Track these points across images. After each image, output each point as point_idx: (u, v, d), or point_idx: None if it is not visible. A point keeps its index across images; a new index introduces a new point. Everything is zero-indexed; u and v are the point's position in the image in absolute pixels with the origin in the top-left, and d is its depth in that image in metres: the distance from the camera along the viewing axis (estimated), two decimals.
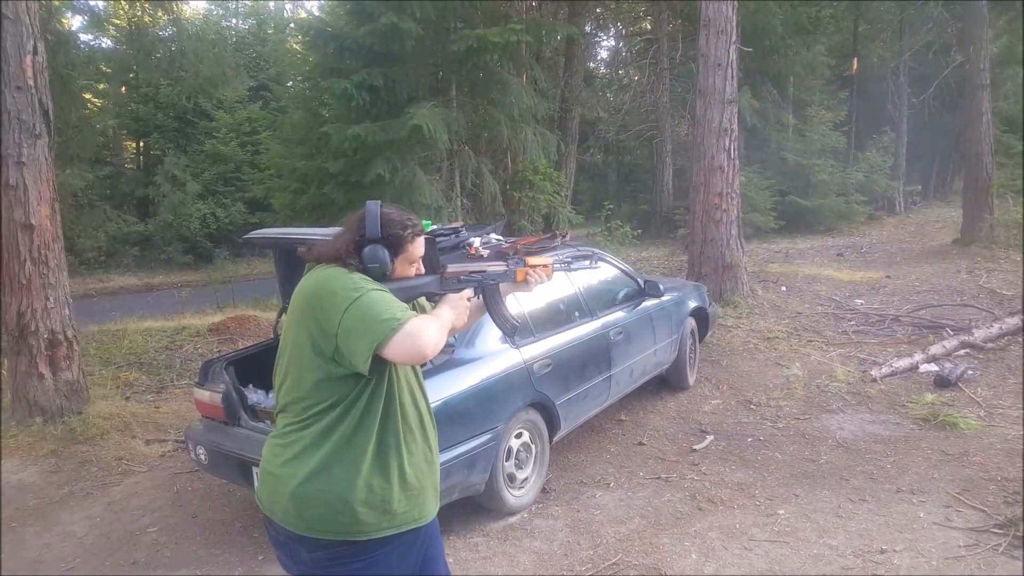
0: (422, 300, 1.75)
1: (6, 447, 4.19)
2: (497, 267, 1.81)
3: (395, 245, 1.58)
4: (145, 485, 3.80)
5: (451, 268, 1.71)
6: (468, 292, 1.70)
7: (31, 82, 4.43)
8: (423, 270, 1.68)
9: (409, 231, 1.59)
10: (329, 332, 1.45)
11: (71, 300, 4.78)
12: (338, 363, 1.46)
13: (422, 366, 1.65)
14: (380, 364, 1.47)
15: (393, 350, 1.40)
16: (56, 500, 3.65)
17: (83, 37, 12.18)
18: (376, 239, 1.55)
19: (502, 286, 1.84)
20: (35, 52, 4.46)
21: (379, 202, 1.60)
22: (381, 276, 1.55)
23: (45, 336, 4.53)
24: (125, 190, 16.71)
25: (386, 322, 1.40)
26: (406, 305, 1.51)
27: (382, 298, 1.46)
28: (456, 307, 1.63)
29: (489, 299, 1.81)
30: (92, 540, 3.22)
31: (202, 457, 3.14)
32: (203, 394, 3.24)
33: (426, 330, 1.42)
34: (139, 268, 14.97)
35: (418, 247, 1.63)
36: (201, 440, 3.14)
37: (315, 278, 1.54)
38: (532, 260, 1.87)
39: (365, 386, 1.50)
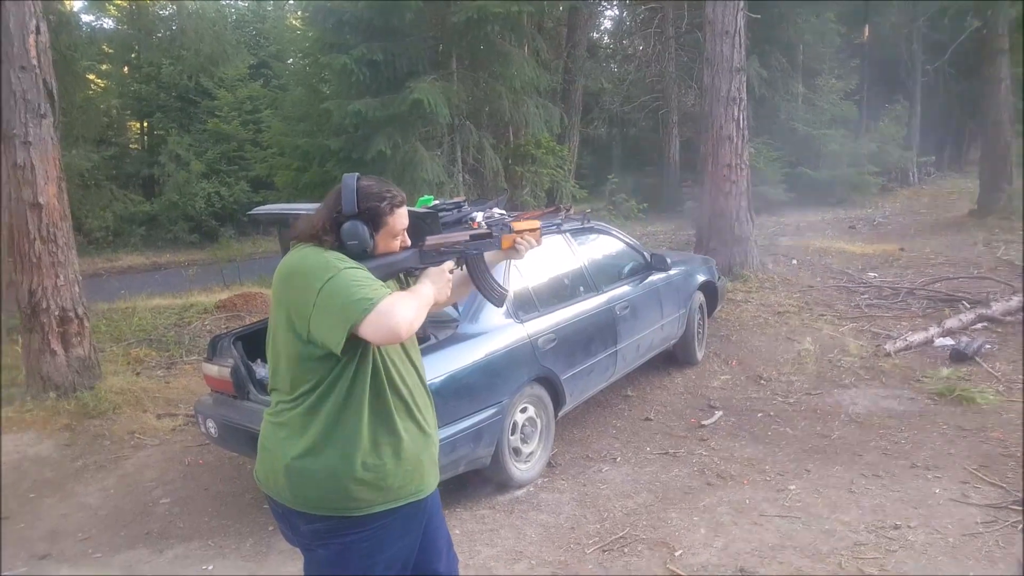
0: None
1: (22, 421, 4.25)
2: (481, 235, 1.74)
3: (375, 219, 1.52)
4: (157, 458, 3.85)
5: (430, 240, 1.64)
6: (449, 264, 1.64)
7: (35, 62, 4.41)
8: (408, 242, 1.61)
9: (387, 203, 1.53)
10: (303, 315, 1.42)
11: (80, 278, 4.80)
12: (315, 344, 1.44)
13: (423, 341, 1.62)
14: (359, 343, 1.45)
15: (367, 330, 1.37)
16: (71, 473, 3.71)
17: (84, 18, 12.07)
18: (353, 214, 1.49)
19: (493, 255, 1.78)
20: (38, 32, 4.44)
21: (356, 175, 1.54)
22: (362, 252, 1.50)
23: (56, 313, 4.56)
24: (130, 170, 16.71)
25: (358, 302, 1.37)
26: (381, 283, 1.46)
27: (355, 277, 1.42)
28: (437, 281, 1.57)
29: (474, 269, 1.75)
30: (107, 512, 3.28)
31: (212, 430, 3.17)
32: (212, 369, 3.26)
33: (399, 308, 1.38)
34: (146, 247, 15.03)
35: (399, 219, 1.56)
36: (211, 414, 3.16)
37: (290, 259, 1.50)
38: (519, 225, 1.79)
39: (347, 365, 1.47)
